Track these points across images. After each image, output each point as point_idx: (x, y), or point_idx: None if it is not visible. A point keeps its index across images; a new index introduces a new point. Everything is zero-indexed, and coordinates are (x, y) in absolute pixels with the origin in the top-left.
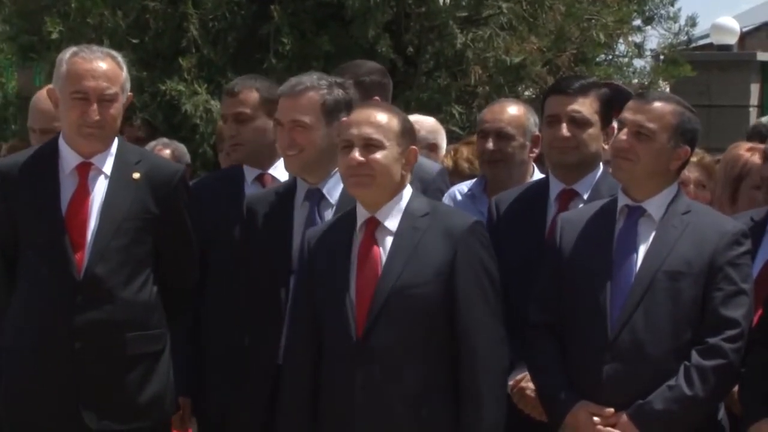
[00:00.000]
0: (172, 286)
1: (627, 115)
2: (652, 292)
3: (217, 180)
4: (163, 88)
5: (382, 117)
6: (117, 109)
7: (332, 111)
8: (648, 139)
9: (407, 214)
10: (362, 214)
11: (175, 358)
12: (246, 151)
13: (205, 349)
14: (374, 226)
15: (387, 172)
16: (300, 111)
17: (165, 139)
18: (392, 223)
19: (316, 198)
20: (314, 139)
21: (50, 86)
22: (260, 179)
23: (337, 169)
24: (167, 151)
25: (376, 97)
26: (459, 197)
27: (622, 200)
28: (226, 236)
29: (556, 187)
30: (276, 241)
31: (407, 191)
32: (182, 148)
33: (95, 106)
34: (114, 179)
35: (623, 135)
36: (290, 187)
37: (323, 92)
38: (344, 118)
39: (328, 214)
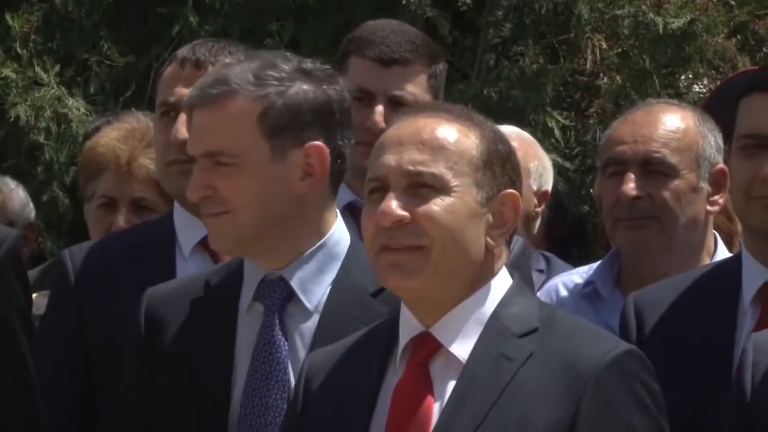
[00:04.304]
0: None
1: None
2: None
3: (125, 249)
4: None
5: (445, 131)
6: None
7: (285, 127)
8: None
9: (493, 328)
10: (409, 327)
11: None
12: None
13: None
14: (429, 351)
15: (453, 241)
16: (220, 133)
17: None
18: (463, 346)
19: (278, 296)
20: (249, 189)
21: None
22: (207, 246)
23: (314, 244)
24: None
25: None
26: (565, 295)
27: None
28: (128, 363)
29: (755, 275)
30: (204, 383)
31: (500, 282)
32: (18, 192)
33: None
34: None
35: None
36: (232, 275)
37: (264, 91)
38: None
39: (307, 330)
